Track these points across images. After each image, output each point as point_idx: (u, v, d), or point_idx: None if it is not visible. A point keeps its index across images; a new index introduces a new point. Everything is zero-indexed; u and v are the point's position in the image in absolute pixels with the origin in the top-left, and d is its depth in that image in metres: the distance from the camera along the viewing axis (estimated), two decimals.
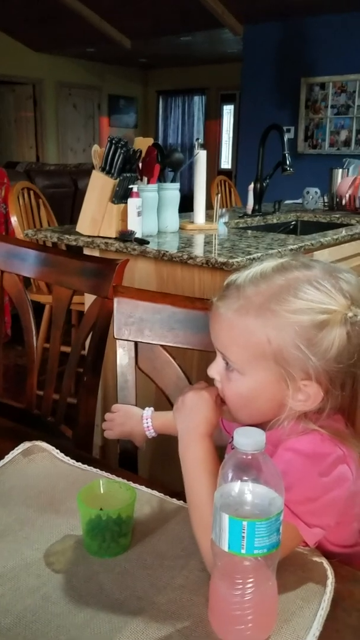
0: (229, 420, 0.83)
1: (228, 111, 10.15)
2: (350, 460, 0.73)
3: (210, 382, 0.82)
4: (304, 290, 0.72)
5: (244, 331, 0.74)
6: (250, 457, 0.58)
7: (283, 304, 0.72)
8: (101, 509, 0.73)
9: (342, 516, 0.74)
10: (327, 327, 0.71)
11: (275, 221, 3.01)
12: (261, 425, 0.80)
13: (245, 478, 0.58)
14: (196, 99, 10.37)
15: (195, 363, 1.49)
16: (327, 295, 0.72)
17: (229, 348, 0.76)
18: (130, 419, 1.06)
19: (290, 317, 0.71)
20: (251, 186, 2.97)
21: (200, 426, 0.77)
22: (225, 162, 10.25)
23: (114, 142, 2.04)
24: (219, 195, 2.85)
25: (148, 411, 1.05)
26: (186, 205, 2.54)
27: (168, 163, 2.24)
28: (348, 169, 3.52)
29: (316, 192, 3.43)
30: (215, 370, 0.79)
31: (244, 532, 0.57)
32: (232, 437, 0.89)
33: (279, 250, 1.98)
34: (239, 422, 0.82)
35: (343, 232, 2.48)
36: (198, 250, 1.98)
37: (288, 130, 6.12)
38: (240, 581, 0.59)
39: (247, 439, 0.58)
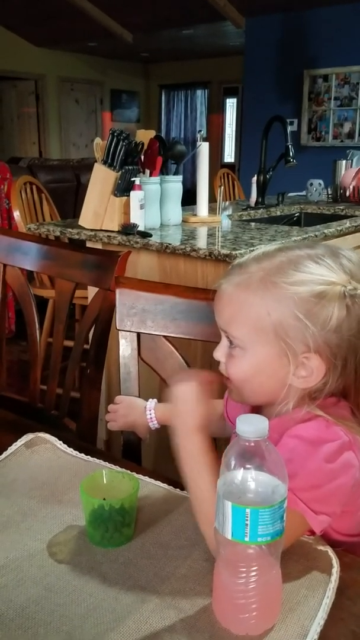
0: (235, 400, 0.82)
1: (231, 104, 10.11)
2: (355, 447, 0.72)
3: (215, 366, 0.82)
4: (304, 264, 0.73)
5: (244, 304, 0.75)
6: (252, 444, 0.57)
7: (283, 277, 0.73)
8: (104, 499, 0.73)
9: (348, 504, 0.73)
10: (326, 298, 0.71)
11: (278, 213, 2.99)
12: (266, 409, 0.79)
13: (248, 466, 0.57)
14: (199, 92, 10.33)
15: (199, 354, 1.48)
16: (327, 269, 0.73)
17: (230, 323, 0.77)
18: (134, 410, 1.06)
19: (290, 289, 0.72)
20: (254, 179, 2.96)
21: (188, 420, 0.75)
22: (229, 156, 10.22)
23: (115, 134, 2.03)
24: (222, 187, 2.83)
25: (151, 402, 1.05)
26: (189, 200, 2.53)
27: (170, 155, 2.23)
28: (352, 161, 3.49)
29: (320, 184, 3.41)
30: (221, 352, 0.80)
31: (247, 520, 0.56)
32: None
33: (282, 242, 1.97)
34: (244, 402, 0.82)
35: (347, 223, 2.47)
36: (201, 242, 1.97)
37: (291, 123, 6.09)
38: (244, 569, 0.59)
39: (250, 426, 0.57)
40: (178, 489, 0.83)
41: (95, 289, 1.29)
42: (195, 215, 2.44)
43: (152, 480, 0.85)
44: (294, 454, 0.69)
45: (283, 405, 0.76)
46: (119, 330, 1.12)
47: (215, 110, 10.18)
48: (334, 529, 0.77)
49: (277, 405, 0.77)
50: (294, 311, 0.71)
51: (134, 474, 0.82)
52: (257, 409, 0.84)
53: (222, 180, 4.21)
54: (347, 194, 3.26)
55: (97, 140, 2.15)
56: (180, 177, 2.29)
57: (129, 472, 0.82)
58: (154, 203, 2.15)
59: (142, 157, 2.14)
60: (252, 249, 1.80)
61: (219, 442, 1.04)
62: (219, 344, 0.80)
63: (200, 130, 2.71)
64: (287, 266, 0.74)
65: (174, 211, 2.28)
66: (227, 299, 0.77)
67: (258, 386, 0.78)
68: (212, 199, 2.60)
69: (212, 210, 2.53)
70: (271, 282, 0.73)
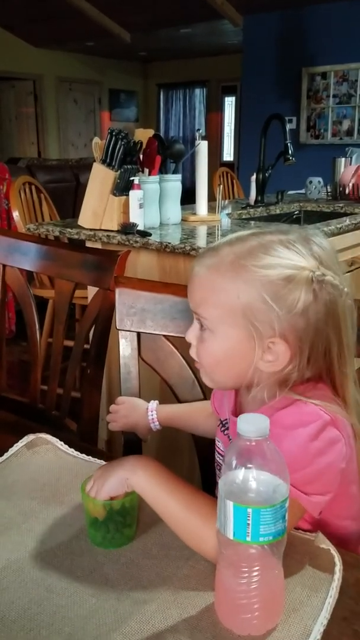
0: (206, 383, 0.83)
1: (229, 103, 10.10)
2: (338, 423, 0.73)
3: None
4: (275, 248, 0.74)
5: (215, 287, 0.76)
6: (254, 443, 0.57)
7: (253, 260, 0.73)
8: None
9: (343, 482, 0.74)
10: (293, 282, 0.72)
11: (278, 212, 2.99)
12: (244, 394, 0.81)
13: (250, 465, 0.57)
14: (197, 91, 10.32)
15: None
16: (297, 254, 0.74)
17: (201, 305, 0.78)
18: (135, 411, 1.05)
19: (259, 272, 0.73)
20: (253, 177, 2.95)
21: (129, 471, 0.73)
22: (228, 155, 10.21)
23: (114, 133, 2.03)
24: (221, 186, 2.83)
25: (153, 404, 1.05)
26: (188, 199, 2.53)
27: (169, 154, 2.23)
28: (351, 158, 3.49)
29: (319, 182, 3.40)
30: (192, 334, 0.80)
31: (249, 520, 0.56)
32: (221, 420, 0.89)
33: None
34: (216, 386, 0.84)
35: (347, 221, 2.46)
36: (201, 241, 1.96)
37: (290, 121, 6.08)
38: (246, 569, 0.58)
39: (251, 426, 0.57)
40: None
41: (95, 289, 1.28)
42: (194, 214, 2.43)
43: None
44: (276, 442, 0.69)
45: (259, 390, 0.77)
46: (119, 330, 1.12)
47: (214, 109, 10.17)
48: (332, 513, 0.76)
49: (253, 390, 0.78)
50: (262, 294, 0.72)
51: None
52: (237, 395, 0.85)
53: (221, 178, 4.21)
54: (347, 191, 3.25)
55: (96, 139, 2.15)
56: (179, 176, 2.29)
57: None
58: (153, 202, 2.15)
59: (141, 156, 2.13)
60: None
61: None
62: (191, 326, 0.81)
63: (199, 129, 2.70)
64: (258, 250, 0.74)
65: (173, 210, 2.28)
66: (199, 282, 0.78)
67: (228, 369, 0.78)
68: (211, 197, 2.59)
69: (211, 209, 2.52)
70: (241, 265, 0.74)
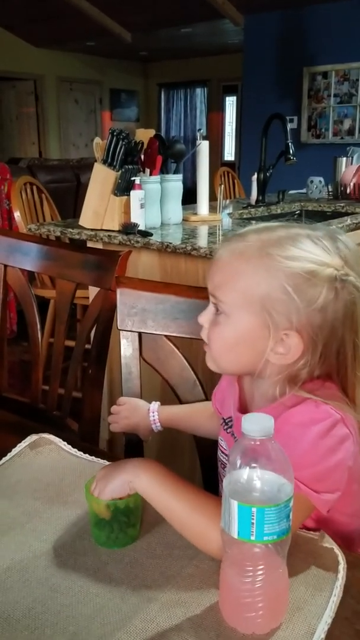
0: (211, 368, 0.83)
1: (230, 102, 10.10)
2: (347, 421, 0.73)
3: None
4: (302, 241, 0.74)
5: (237, 271, 0.76)
6: (258, 443, 0.57)
7: (279, 250, 0.74)
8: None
9: (351, 479, 0.74)
10: (317, 277, 0.72)
11: (279, 211, 2.99)
12: (248, 387, 0.82)
13: (254, 464, 0.57)
14: (198, 91, 10.32)
15: (201, 353, 1.48)
16: (323, 250, 0.74)
17: (220, 288, 0.78)
18: (136, 412, 1.05)
19: (283, 262, 0.73)
20: (254, 177, 2.95)
21: (132, 474, 0.73)
22: (229, 154, 10.20)
23: (115, 134, 2.03)
24: (222, 186, 2.83)
25: (154, 405, 1.05)
26: (190, 199, 2.53)
27: (170, 154, 2.23)
28: (352, 158, 3.49)
29: (320, 181, 3.41)
30: (205, 317, 0.80)
31: (253, 519, 0.56)
32: (224, 419, 0.89)
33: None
34: (220, 371, 0.83)
35: (348, 220, 2.46)
36: (202, 241, 1.97)
37: (291, 120, 6.07)
38: (251, 568, 0.59)
39: (255, 425, 0.57)
40: None
41: (96, 289, 1.29)
42: (195, 214, 2.43)
43: None
44: (287, 439, 0.69)
45: (269, 386, 0.77)
46: (120, 330, 1.12)
47: (215, 109, 10.16)
48: (339, 510, 0.76)
49: (262, 385, 0.78)
50: (283, 284, 0.72)
51: None
52: (241, 392, 0.85)
53: (223, 178, 4.21)
54: (348, 191, 3.25)
55: (97, 139, 2.15)
56: (180, 176, 2.29)
57: None
58: (154, 202, 2.15)
59: (142, 156, 2.13)
60: None
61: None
62: (205, 309, 0.81)
63: (199, 129, 2.70)
64: (285, 241, 0.74)
65: (175, 210, 2.28)
66: (221, 265, 0.78)
67: (236, 356, 0.78)
68: (212, 197, 2.60)
69: (212, 208, 2.52)
70: (266, 254, 0.74)
